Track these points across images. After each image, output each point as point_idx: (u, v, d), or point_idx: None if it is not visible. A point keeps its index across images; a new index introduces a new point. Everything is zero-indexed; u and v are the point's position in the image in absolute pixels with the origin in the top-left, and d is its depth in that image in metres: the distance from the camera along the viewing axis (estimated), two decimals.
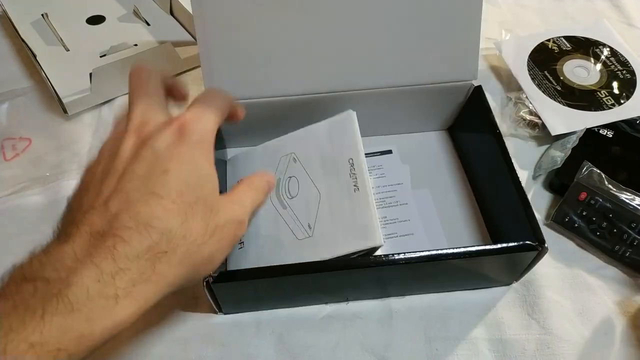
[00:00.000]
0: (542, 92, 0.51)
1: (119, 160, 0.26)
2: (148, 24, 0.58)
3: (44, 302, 0.22)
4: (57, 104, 0.51)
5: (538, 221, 0.35)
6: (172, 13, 0.60)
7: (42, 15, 0.58)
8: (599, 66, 0.54)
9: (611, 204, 0.42)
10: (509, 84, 0.54)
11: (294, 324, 0.38)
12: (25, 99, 0.53)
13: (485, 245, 0.38)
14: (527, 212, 0.35)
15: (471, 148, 0.46)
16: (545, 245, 0.34)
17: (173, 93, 0.33)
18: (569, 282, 0.40)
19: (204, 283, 0.32)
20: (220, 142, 0.45)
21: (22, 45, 0.55)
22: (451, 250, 0.33)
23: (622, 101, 0.50)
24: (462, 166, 0.46)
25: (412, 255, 0.33)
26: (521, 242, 0.34)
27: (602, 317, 0.38)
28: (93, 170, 0.28)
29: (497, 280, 0.39)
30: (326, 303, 0.39)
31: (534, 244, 0.34)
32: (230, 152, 0.46)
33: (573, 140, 0.46)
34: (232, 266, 0.37)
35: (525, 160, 0.48)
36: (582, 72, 0.53)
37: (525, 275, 0.38)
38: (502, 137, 0.40)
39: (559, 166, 0.45)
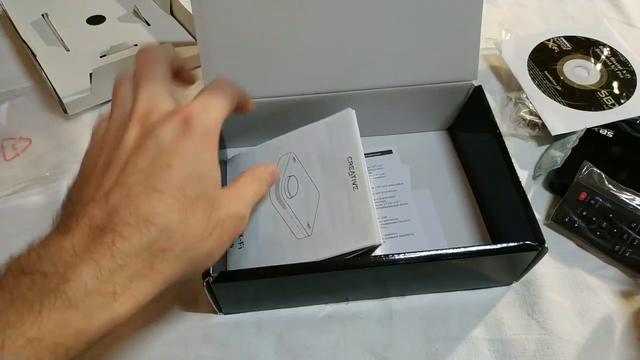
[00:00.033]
0: (542, 92, 0.51)
1: (121, 151, 0.26)
2: (148, 24, 0.58)
3: (41, 297, 0.22)
4: (57, 104, 0.51)
5: (538, 221, 0.35)
6: (172, 13, 0.60)
7: (42, 15, 0.58)
8: (599, 66, 0.54)
9: (611, 204, 0.42)
10: (509, 84, 0.54)
11: (294, 324, 0.38)
12: (25, 99, 0.53)
13: (485, 245, 0.38)
14: (527, 212, 0.35)
15: (471, 148, 0.46)
16: (545, 245, 0.34)
17: (181, 76, 0.32)
18: (569, 282, 0.40)
19: (204, 283, 0.32)
20: (220, 142, 0.44)
21: (22, 45, 0.55)
22: (451, 250, 0.33)
23: (622, 101, 0.50)
24: (462, 166, 0.46)
25: (412, 255, 0.33)
26: (521, 242, 0.34)
27: (602, 317, 0.38)
28: (94, 158, 0.27)
29: (497, 280, 0.39)
30: (326, 303, 0.39)
31: (534, 244, 0.34)
32: (231, 152, 0.46)
33: (573, 140, 0.46)
34: (232, 266, 0.37)
35: (525, 160, 0.48)
36: (582, 72, 0.53)
37: (525, 275, 0.38)
38: (502, 137, 0.40)
39: (559, 166, 0.45)
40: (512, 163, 0.38)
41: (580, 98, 0.51)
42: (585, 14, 0.63)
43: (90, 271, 0.22)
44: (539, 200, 0.45)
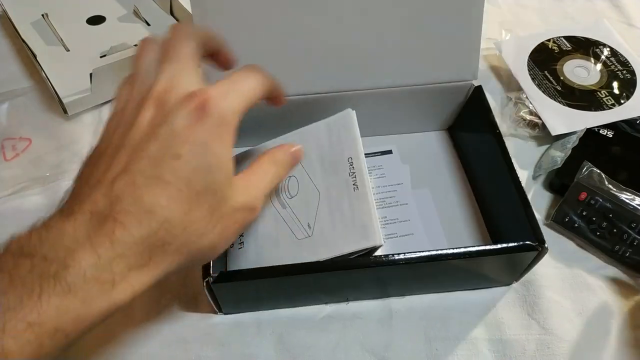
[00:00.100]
0: (542, 92, 0.51)
1: (134, 133, 0.25)
2: (148, 24, 0.58)
3: (41, 281, 0.22)
4: (57, 104, 0.51)
5: (538, 221, 0.35)
6: (172, 13, 0.60)
7: (42, 15, 0.58)
8: (599, 66, 0.54)
9: (611, 204, 0.42)
10: (509, 84, 0.54)
11: (294, 324, 0.38)
12: (25, 99, 0.53)
13: (485, 245, 0.38)
14: (527, 212, 0.35)
15: (471, 148, 0.46)
16: (545, 245, 0.34)
17: (217, 58, 0.31)
18: (569, 282, 0.40)
19: (204, 283, 0.32)
20: None
21: (22, 45, 0.55)
22: (451, 251, 0.33)
23: (622, 101, 0.50)
24: (462, 166, 0.46)
25: (412, 256, 0.33)
26: (521, 242, 0.34)
27: (602, 317, 0.38)
28: (110, 134, 0.27)
29: (497, 281, 0.39)
30: (326, 303, 0.39)
31: (534, 244, 0.34)
32: None
33: (573, 140, 0.46)
34: (232, 266, 0.37)
35: (525, 160, 0.48)
36: (582, 72, 0.53)
37: (525, 275, 0.38)
38: (502, 137, 0.40)
39: (559, 166, 0.45)
40: (512, 163, 0.38)
41: (580, 98, 0.51)
42: (585, 14, 0.63)
43: (89, 258, 0.22)
44: (539, 200, 0.45)
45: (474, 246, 0.34)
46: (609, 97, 0.51)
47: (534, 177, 0.47)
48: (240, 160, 0.44)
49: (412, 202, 0.43)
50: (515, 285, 0.40)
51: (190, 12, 0.42)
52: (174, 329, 0.38)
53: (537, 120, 0.49)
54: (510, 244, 0.34)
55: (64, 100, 0.49)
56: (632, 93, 0.51)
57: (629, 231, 0.41)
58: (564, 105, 0.50)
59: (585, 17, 0.63)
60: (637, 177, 0.44)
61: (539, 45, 0.56)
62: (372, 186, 0.43)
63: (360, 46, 0.41)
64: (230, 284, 0.33)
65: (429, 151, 0.47)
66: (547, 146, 0.49)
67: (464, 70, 0.43)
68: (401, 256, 0.33)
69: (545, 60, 0.54)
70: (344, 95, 0.43)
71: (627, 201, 0.42)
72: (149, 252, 0.24)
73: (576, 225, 0.42)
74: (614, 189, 0.42)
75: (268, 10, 0.39)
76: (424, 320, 0.38)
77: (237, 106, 0.27)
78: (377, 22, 0.40)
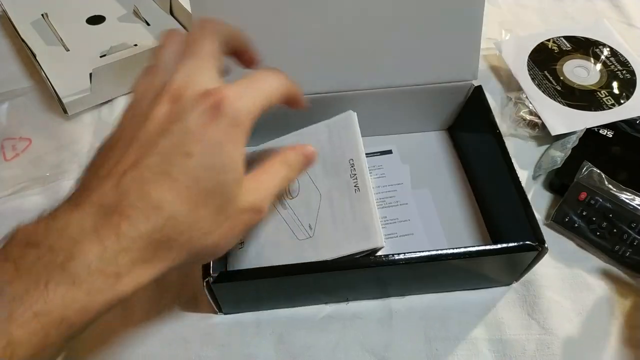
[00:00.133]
0: (542, 92, 0.51)
1: (148, 127, 0.25)
2: (148, 24, 0.58)
3: (47, 272, 0.22)
4: (57, 104, 0.51)
5: (538, 221, 0.35)
6: (172, 13, 0.60)
7: (42, 15, 0.58)
8: (599, 66, 0.54)
9: (611, 204, 0.42)
10: (509, 84, 0.54)
11: (294, 324, 0.38)
12: (25, 99, 0.53)
13: (485, 245, 0.38)
14: (527, 212, 0.35)
15: (471, 148, 0.46)
16: (545, 245, 0.34)
17: (241, 57, 0.31)
18: (569, 282, 0.40)
19: (204, 283, 0.32)
20: None
21: (22, 45, 0.55)
22: (451, 251, 0.33)
23: (622, 101, 0.50)
24: (462, 166, 0.46)
25: (412, 256, 0.33)
26: (521, 242, 0.34)
27: (602, 317, 0.38)
28: (125, 125, 0.27)
29: (497, 281, 0.39)
30: (326, 303, 0.39)
31: (534, 244, 0.34)
32: None
33: (573, 140, 0.46)
34: (232, 266, 0.37)
35: (525, 160, 0.48)
36: (582, 72, 0.53)
37: (525, 275, 0.38)
38: (502, 137, 0.40)
39: (559, 166, 0.45)
40: (512, 163, 0.38)
41: (580, 98, 0.51)
42: (585, 14, 0.63)
43: (95, 251, 0.22)
44: (539, 200, 0.45)
45: (474, 246, 0.34)
46: (609, 97, 0.51)
47: (534, 177, 0.47)
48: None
49: (412, 202, 0.43)
50: (515, 285, 0.40)
51: (190, 12, 0.42)
52: (174, 328, 0.38)
53: (537, 120, 0.49)
54: (510, 244, 0.34)
55: (64, 100, 0.49)
56: (632, 93, 0.51)
57: (629, 231, 0.41)
58: (563, 105, 0.50)
59: (585, 17, 0.63)
60: (637, 177, 0.44)
61: (538, 45, 0.56)
62: (372, 186, 0.43)
63: (360, 46, 0.41)
64: (230, 284, 0.33)
65: (429, 151, 0.47)
66: (547, 146, 0.49)
67: (464, 70, 0.43)
68: (401, 256, 0.33)
69: (545, 60, 0.54)
70: (344, 95, 0.43)
71: (627, 201, 0.42)
72: (154, 248, 0.24)
73: (576, 225, 0.42)
74: (614, 189, 0.42)
75: (268, 10, 0.39)
76: (424, 320, 0.38)
77: (252, 107, 0.27)
78: (377, 22, 0.40)
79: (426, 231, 0.42)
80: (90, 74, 0.50)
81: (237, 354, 0.37)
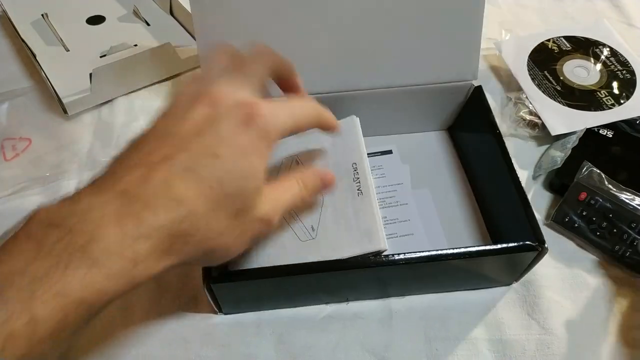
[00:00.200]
0: (542, 92, 0.51)
1: (183, 125, 0.27)
2: (148, 24, 0.58)
3: (67, 253, 0.22)
4: (57, 104, 0.51)
5: (538, 221, 0.35)
6: (172, 13, 0.60)
7: (42, 15, 0.58)
8: (599, 66, 0.54)
9: (611, 204, 0.42)
10: (509, 84, 0.54)
11: (294, 324, 0.38)
12: (25, 99, 0.53)
13: (485, 245, 0.38)
14: (527, 212, 0.35)
15: (471, 148, 0.46)
16: (545, 245, 0.34)
17: (285, 83, 0.34)
18: (569, 282, 0.40)
19: (204, 283, 0.32)
20: None
21: (22, 45, 0.55)
22: (451, 251, 0.33)
23: (622, 101, 0.50)
24: (462, 166, 0.46)
25: (412, 256, 0.33)
26: (521, 242, 0.34)
27: (602, 317, 0.38)
28: (162, 119, 0.28)
29: (497, 281, 0.39)
30: (326, 303, 0.39)
31: (534, 244, 0.34)
32: None
33: (573, 140, 0.46)
34: (234, 266, 0.37)
35: (525, 160, 0.48)
36: (582, 72, 0.53)
37: (525, 275, 0.39)
38: (502, 137, 0.40)
39: (559, 166, 0.45)
40: (512, 163, 0.38)
41: (580, 98, 0.51)
42: (585, 14, 0.63)
43: (115, 235, 0.23)
44: (539, 200, 0.45)
45: (474, 246, 0.34)
46: (609, 97, 0.51)
47: (534, 177, 0.47)
48: None
49: (412, 202, 0.43)
50: (515, 285, 0.40)
51: (190, 12, 0.42)
52: (174, 328, 0.38)
53: (537, 120, 0.49)
54: (510, 244, 0.34)
55: (64, 100, 0.49)
56: (631, 93, 0.51)
57: (629, 231, 0.41)
58: (563, 105, 0.50)
59: (585, 17, 0.63)
60: (637, 177, 0.44)
61: (538, 45, 0.56)
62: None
63: (360, 47, 0.41)
64: (230, 284, 0.33)
65: (429, 151, 0.47)
66: (547, 146, 0.49)
67: (464, 70, 0.43)
68: (401, 256, 0.33)
69: (545, 60, 0.54)
70: (344, 96, 0.43)
71: (627, 201, 0.42)
72: (171, 240, 0.25)
73: (576, 225, 0.42)
74: (614, 189, 0.42)
75: (268, 10, 0.39)
76: (424, 320, 0.38)
77: (282, 125, 0.29)
78: (377, 22, 0.40)
79: (426, 231, 0.42)
80: (90, 74, 0.50)
81: (237, 354, 0.37)
